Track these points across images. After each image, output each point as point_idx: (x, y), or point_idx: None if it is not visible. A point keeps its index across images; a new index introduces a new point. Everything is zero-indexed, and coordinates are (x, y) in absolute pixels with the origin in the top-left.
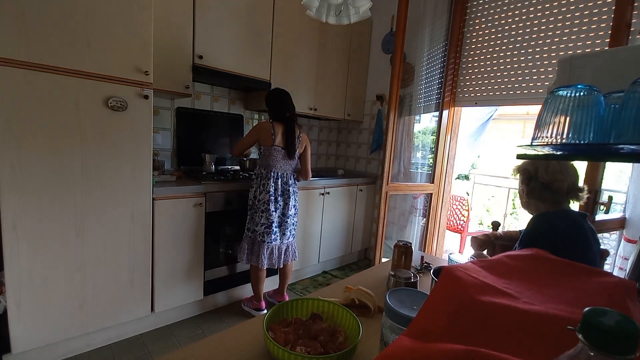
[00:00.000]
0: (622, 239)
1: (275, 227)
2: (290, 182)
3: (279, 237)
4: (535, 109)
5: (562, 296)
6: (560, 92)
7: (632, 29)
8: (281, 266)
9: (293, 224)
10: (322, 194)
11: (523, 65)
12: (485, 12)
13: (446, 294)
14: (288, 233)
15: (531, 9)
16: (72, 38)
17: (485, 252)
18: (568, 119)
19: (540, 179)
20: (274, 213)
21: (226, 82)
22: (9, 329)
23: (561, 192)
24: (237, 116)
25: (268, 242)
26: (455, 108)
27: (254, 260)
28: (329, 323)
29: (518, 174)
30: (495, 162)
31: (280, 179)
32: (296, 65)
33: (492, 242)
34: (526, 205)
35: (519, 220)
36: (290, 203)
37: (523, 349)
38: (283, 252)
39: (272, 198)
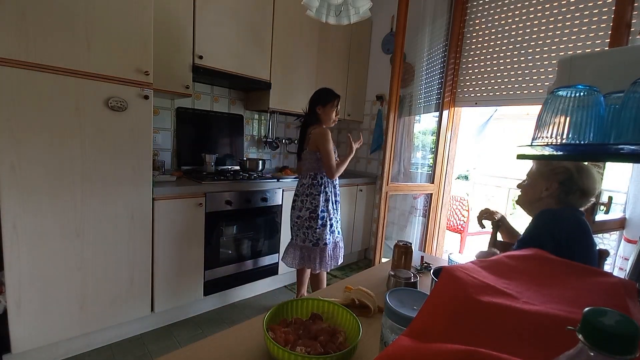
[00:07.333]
0: (622, 239)
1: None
2: (303, 181)
3: (292, 237)
4: (535, 109)
5: (562, 296)
6: (560, 93)
7: (632, 29)
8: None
9: (300, 227)
10: None
11: (523, 65)
12: (485, 12)
13: (446, 294)
14: (294, 234)
15: (531, 9)
16: (72, 38)
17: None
18: (568, 119)
19: (579, 184)
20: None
21: (226, 82)
22: (9, 329)
23: (590, 198)
24: (237, 116)
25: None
26: (455, 108)
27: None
28: (329, 323)
29: (550, 170)
30: (495, 163)
31: (299, 180)
32: (296, 65)
33: (500, 220)
34: (538, 201)
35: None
36: (298, 204)
37: (523, 349)
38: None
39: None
